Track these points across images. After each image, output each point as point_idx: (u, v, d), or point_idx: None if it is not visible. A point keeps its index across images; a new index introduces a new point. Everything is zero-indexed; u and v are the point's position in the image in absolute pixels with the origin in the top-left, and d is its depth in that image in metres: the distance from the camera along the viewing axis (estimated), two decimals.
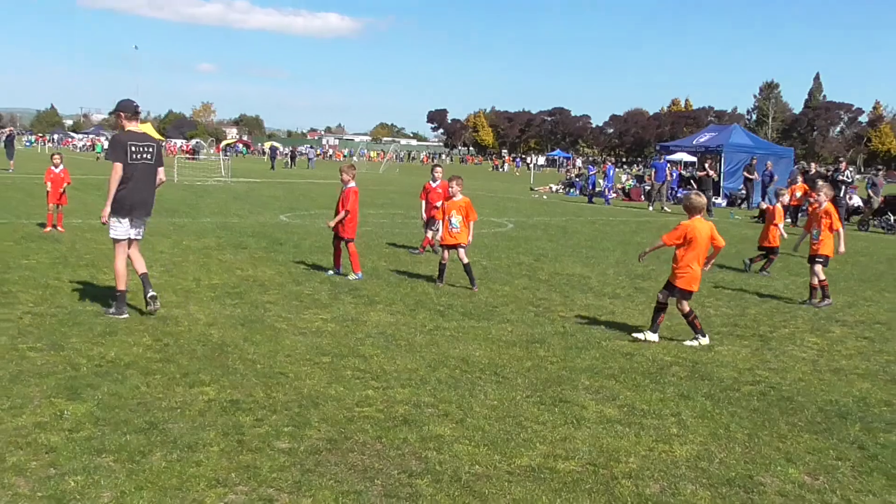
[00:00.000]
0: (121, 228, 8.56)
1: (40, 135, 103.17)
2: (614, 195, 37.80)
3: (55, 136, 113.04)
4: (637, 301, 11.04)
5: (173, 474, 4.67)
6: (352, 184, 11.97)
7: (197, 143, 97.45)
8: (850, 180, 28.78)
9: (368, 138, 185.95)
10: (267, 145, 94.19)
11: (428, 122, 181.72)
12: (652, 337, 8.65)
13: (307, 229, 17.77)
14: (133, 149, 8.48)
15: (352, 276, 11.65)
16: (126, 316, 8.52)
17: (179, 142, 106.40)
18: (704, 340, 8.61)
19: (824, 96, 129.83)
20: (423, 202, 14.91)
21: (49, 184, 15.80)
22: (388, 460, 5.07)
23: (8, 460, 4.76)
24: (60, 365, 6.70)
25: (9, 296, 9.25)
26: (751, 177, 33.15)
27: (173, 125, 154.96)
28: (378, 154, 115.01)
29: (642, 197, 37.42)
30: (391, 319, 9.12)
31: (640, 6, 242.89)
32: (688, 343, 8.56)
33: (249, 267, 12.24)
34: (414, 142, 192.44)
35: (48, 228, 15.46)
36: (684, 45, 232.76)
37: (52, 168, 16.16)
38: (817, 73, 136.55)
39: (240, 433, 5.38)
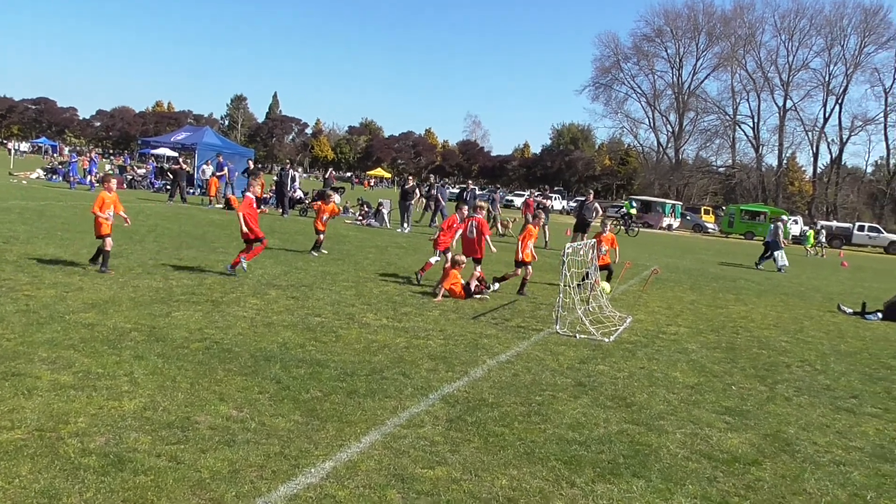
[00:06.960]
0: None
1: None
2: (98, 183, 34.89)
3: None
4: (106, 277, 10.18)
5: None
6: None
7: None
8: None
9: None
10: None
11: None
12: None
13: None
14: None
15: None
16: None
17: None
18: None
19: (280, 111, 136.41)
20: None
21: None
22: None
23: None
24: None
25: None
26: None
27: None
28: None
29: (124, 185, 35.42)
30: None
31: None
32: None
33: None
34: None
35: None
36: (167, 53, 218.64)
37: None
38: (275, 92, 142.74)
39: None
